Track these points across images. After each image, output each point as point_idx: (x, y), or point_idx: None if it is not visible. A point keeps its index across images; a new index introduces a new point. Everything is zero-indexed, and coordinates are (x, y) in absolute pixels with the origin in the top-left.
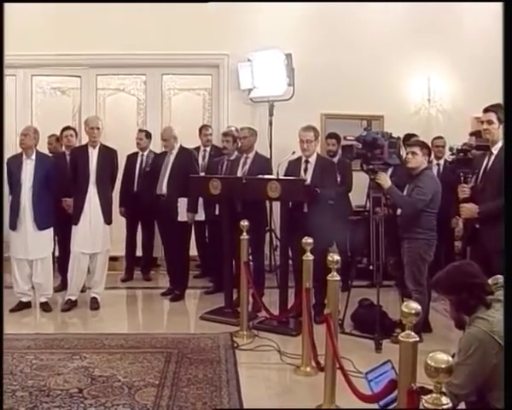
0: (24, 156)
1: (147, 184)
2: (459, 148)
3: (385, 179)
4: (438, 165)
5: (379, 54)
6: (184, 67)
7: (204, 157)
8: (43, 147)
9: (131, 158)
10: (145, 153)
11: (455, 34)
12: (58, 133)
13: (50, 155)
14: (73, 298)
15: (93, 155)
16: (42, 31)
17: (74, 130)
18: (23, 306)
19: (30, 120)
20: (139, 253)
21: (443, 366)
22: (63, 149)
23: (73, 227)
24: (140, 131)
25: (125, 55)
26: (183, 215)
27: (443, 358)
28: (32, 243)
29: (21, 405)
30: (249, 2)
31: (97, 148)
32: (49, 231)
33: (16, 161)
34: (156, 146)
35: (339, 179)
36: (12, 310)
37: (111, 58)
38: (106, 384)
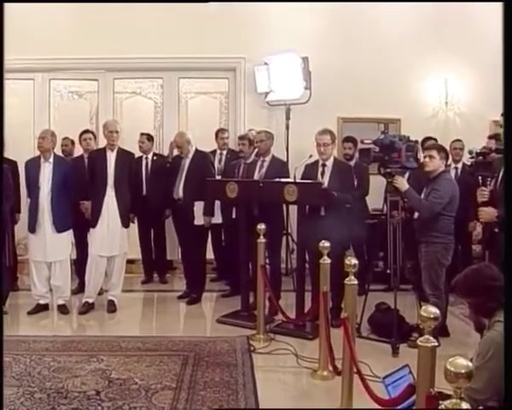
0: (42, 159)
1: (155, 186)
2: (478, 151)
3: (402, 182)
4: (456, 168)
5: (395, 56)
6: (201, 71)
7: (220, 160)
8: (58, 150)
9: (137, 162)
10: (149, 156)
11: (472, 36)
12: (73, 136)
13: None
14: (91, 301)
15: (111, 158)
16: (59, 35)
17: (93, 133)
18: (41, 308)
19: (48, 123)
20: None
21: (463, 371)
22: (81, 151)
23: (91, 230)
24: (142, 134)
25: (142, 59)
26: (199, 219)
27: (463, 363)
28: (51, 246)
29: (39, 407)
30: (262, 2)
31: (115, 151)
32: (68, 234)
33: (34, 164)
34: (166, 149)
35: (355, 183)
36: (30, 312)
37: (128, 62)
38: (123, 387)
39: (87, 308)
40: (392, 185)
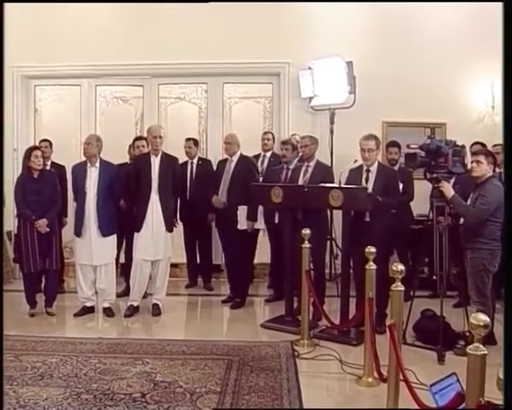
0: (88, 164)
1: (200, 191)
2: None
3: (448, 188)
4: (500, 173)
5: (441, 60)
6: (245, 76)
7: (263, 163)
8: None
9: (182, 167)
10: (194, 160)
11: None
12: (119, 142)
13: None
14: (135, 304)
15: (155, 163)
16: (105, 42)
17: (146, 140)
18: (87, 310)
19: (94, 128)
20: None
21: None
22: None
23: (135, 234)
24: (188, 139)
25: (186, 64)
26: (242, 223)
27: None
28: (96, 250)
29: (86, 408)
30: (300, 1)
31: (159, 156)
32: (113, 238)
33: (81, 169)
34: (210, 154)
35: (400, 188)
36: (76, 314)
37: (173, 67)
38: (168, 390)
39: (132, 311)
40: (438, 190)
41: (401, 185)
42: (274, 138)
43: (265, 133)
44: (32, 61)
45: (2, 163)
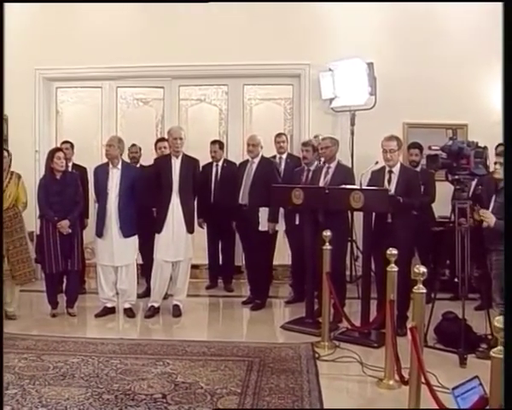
0: (110, 165)
1: (224, 193)
2: None
3: (490, 217)
4: None
5: (462, 60)
6: (266, 77)
7: (280, 164)
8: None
9: (206, 168)
10: (219, 163)
11: None
12: (139, 143)
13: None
14: (156, 305)
15: (176, 164)
16: (126, 43)
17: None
18: (108, 311)
19: (115, 130)
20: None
21: None
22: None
23: (156, 235)
24: (213, 143)
25: (207, 66)
26: (263, 225)
27: None
28: (117, 250)
29: (107, 408)
30: (322, 1)
31: (180, 158)
32: (134, 239)
33: (103, 170)
34: (231, 155)
35: (422, 190)
36: (97, 315)
37: (193, 69)
38: (189, 391)
39: (152, 312)
40: (478, 220)
41: (422, 187)
42: (288, 140)
43: (279, 135)
44: (54, 63)
45: (2, 163)
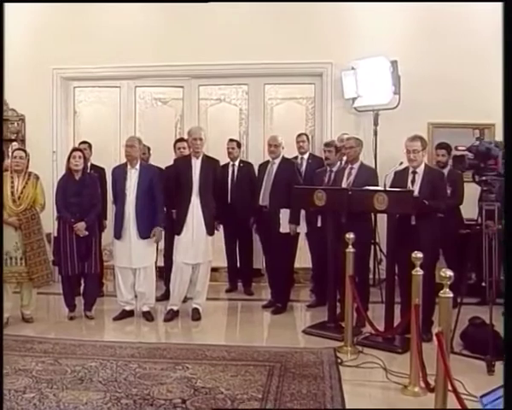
0: (128, 166)
1: (241, 194)
2: None
3: None
4: None
5: (489, 58)
6: (287, 77)
7: (301, 165)
8: None
9: (223, 169)
10: (236, 163)
11: None
12: (158, 143)
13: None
14: (176, 308)
15: (196, 165)
16: (145, 43)
17: (187, 141)
18: (126, 314)
19: (133, 130)
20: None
21: None
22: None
23: (176, 237)
24: (231, 140)
25: (226, 65)
26: (285, 227)
27: None
28: (136, 252)
29: None
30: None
31: (200, 158)
32: (152, 240)
33: (121, 171)
34: (251, 156)
35: (449, 191)
36: (115, 318)
37: (213, 68)
38: (208, 396)
39: (172, 316)
40: None
41: (450, 189)
42: (308, 139)
43: (299, 135)
44: (72, 62)
45: (2, 162)
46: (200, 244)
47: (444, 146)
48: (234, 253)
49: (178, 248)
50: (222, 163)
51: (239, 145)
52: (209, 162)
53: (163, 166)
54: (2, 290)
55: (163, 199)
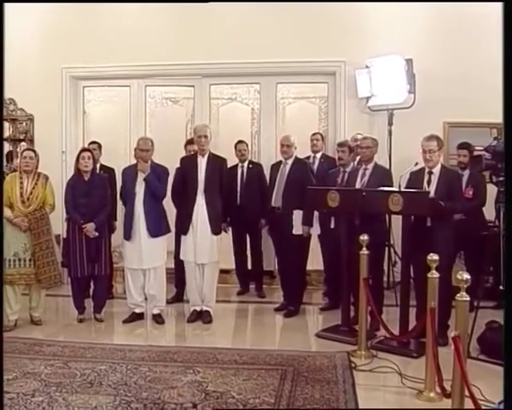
0: (138, 166)
1: (251, 195)
2: None
3: None
4: None
5: None
6: (299, 75)
7: (313, 164)
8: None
9: (232, 171)
10: (245, 164)
11: None
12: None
13: None
14: (198, 309)
15: (202, 163)
16: (155, 41)
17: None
18: (136, 317)
19: (143, 130)
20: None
21: None
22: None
23: (182, 237)
24: (240, 142)
25: (238, 64)
26: (297, 228)
27: None
28: (146, 252)
29: None
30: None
31: (206, 156)
32: (163, 241)
33: (131, 172)
34: (263, 156)
35: (471, 193)
36: (125, 321)
37: (224, 67)
38: (220, 401)
39: (195, 317)
40: None
41: (472, 190)
42: (323, 139)
43: (314, 134)
44: (81, 61)
45: (2, 162)
46: (204, 244)
47: (465, 146)
48: (243, 255)
49: (184, 247)
50: (231, 164)
51: (247, 146)
52: (215, 160)
53: (174, 167)
54: (2, 291)
55: (164, 195)
